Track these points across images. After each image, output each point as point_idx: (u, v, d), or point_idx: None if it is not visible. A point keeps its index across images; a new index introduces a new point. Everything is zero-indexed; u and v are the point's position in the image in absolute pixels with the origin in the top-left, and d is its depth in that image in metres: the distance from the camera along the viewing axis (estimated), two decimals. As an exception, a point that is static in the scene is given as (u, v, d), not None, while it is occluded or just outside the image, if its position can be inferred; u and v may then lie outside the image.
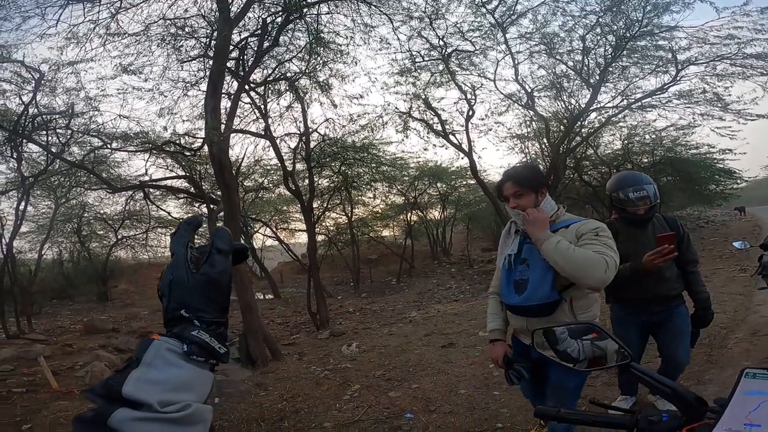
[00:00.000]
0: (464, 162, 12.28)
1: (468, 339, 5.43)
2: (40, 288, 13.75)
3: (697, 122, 10.79)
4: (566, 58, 8.67)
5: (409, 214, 16.52)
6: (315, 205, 11.31)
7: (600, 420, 0.78)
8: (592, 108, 9.81)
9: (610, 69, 8.52)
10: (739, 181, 16.18)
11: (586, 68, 8.53)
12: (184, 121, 10.84)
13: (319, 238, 13.26)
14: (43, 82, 6.43)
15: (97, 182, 8.73)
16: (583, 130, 11.58)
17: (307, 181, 8.55)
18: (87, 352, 6.35)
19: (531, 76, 9.73)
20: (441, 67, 8.87)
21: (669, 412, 0.75)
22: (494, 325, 1.96)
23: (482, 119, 10.73)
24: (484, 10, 7.67)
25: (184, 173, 8.51)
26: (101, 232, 16.71)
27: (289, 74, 6.65)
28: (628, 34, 7.52)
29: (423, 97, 9.53)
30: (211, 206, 7.28)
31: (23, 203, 9.17)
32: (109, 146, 7.51)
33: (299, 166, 8.24)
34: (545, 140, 11.65)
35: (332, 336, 6.72)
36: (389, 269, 17.46)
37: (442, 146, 10.97)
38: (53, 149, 7.08)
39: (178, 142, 7.31)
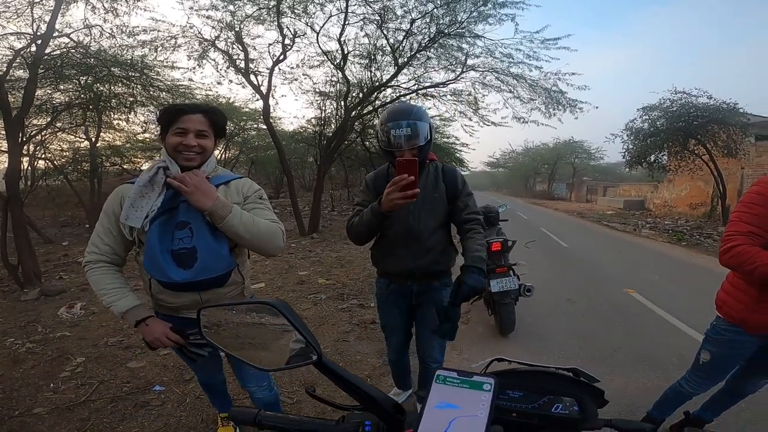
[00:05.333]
0: (259, 104, 11.18)
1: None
2: None
3: (455, 117, 13.22)
4: (390, 35, 8.77)
5: (181, 149, 13.74)
6: (41, 122, 7.81)
7: (300, 428, 0.68)
8: (390, 84, 10.48)
9: (418, 56, 9.20)
10: (465, 170, 21.87)
11: (401, 48, 8.90)
12: None
13: (41, 164, 9.27)
14: None
15: None
16: (377, 101, 12.32)
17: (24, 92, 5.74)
18: None
19: (354, 40, 9.45)
20: (272, 4, 7.51)
21: (372, 421, 0.67)
22: (132, 301, 1.48)
23: (292, 67, 9.91)
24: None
25: None
26: None
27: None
28: (446, 31, 8.19)
29: (237, 29, 7.91)
30: None
31: None
32: None
33: (21, 73, 5.46)
34: (342, 102, 11.79)
35: (44, 296, 5.18)
36: (147, 211, 14.29)
37: (240, 84, 9.61)
38: None
39: None
